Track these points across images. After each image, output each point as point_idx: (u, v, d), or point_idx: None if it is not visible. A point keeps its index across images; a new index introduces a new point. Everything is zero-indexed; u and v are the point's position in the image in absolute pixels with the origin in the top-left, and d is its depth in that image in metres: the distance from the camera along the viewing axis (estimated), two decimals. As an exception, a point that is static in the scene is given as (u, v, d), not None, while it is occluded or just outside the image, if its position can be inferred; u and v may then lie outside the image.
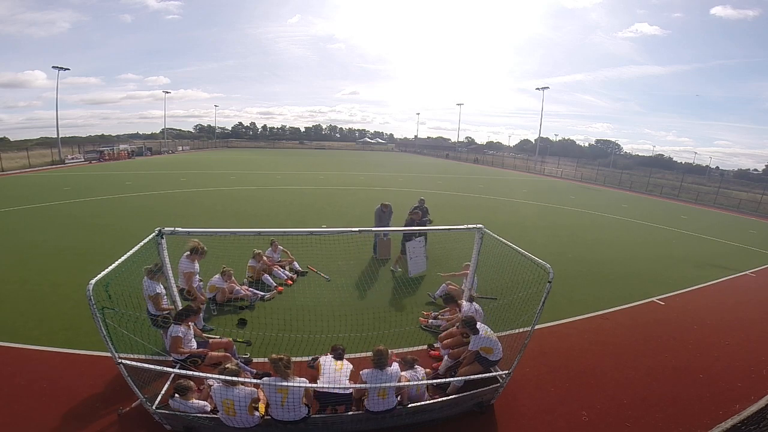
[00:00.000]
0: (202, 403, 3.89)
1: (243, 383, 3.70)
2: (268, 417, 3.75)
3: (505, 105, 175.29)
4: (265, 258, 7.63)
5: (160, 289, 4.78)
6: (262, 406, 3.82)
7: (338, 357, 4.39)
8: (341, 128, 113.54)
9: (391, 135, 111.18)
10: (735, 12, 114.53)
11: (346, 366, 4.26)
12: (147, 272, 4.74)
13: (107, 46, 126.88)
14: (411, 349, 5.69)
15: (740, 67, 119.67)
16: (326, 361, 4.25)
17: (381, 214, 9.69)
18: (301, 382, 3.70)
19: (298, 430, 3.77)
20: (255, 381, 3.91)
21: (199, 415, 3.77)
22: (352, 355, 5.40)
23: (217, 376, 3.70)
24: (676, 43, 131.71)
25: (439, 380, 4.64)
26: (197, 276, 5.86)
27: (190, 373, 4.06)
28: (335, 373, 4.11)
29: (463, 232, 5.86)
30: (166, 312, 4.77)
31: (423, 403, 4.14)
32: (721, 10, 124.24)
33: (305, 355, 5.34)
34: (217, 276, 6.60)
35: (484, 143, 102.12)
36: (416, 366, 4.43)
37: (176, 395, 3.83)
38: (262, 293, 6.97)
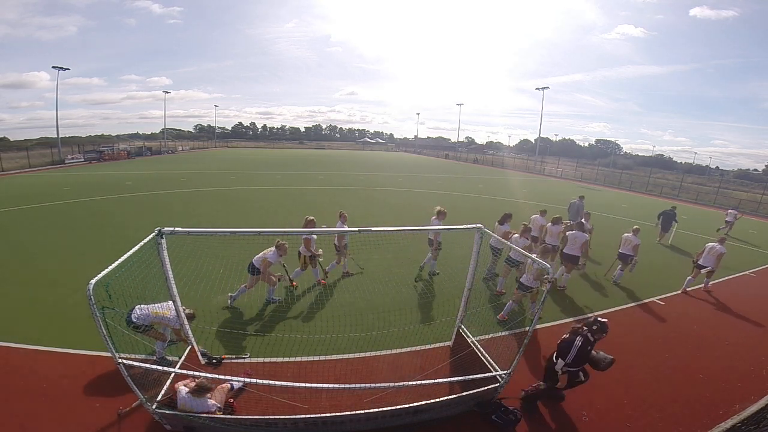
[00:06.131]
0: (212, 402, 3.87)
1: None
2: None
3: (505, 105, 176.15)
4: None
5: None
6: None
7: None
8: (341, 128, 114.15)
9: (391, 135, 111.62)
10: (713, 12, 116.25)
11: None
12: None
13: (111, 48, 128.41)
14: (412, 348, 5.70)
15: (738, 68, 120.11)
16: None
17: (580, 207, 9.77)
18: None
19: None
20: None
21: (198, 414, 3.77)
22: (352, 356, 5.42)
23: (219, 376, 3.67)
24: (669, 44, 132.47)
25: (437, 380, 4.63)
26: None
27: (190, 372, 4.06)
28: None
29: (463, 232, 5.84)
30: None
31: (423, 402, 4.13)
32: (699, 11, 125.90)
33: (305, 356, 5.34)
34: (272, 250, 6.52)
35: (484, 143, 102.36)
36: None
37: (190, 393, 3.80)
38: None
